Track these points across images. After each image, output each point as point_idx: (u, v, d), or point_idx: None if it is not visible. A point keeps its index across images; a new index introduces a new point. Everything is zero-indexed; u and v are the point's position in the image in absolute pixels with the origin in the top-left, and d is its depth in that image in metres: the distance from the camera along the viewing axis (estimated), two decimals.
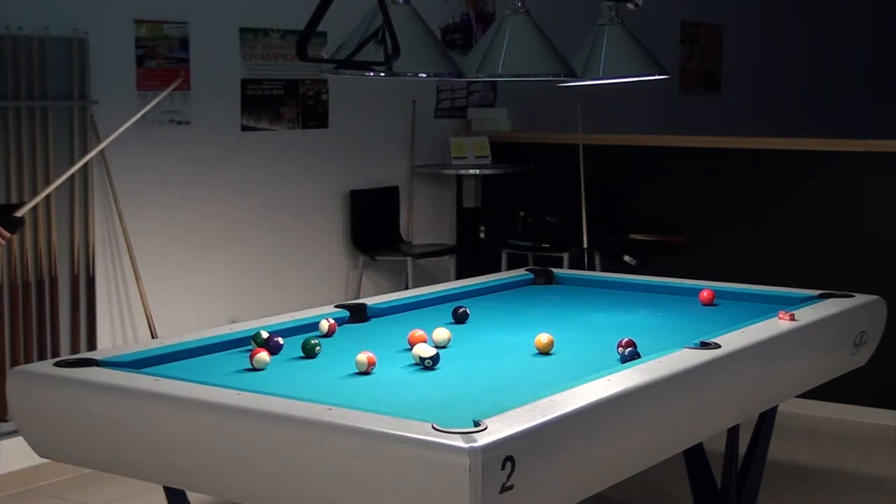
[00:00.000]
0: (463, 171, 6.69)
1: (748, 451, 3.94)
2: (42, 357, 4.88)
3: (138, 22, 5.33)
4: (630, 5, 4.42)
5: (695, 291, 4.22)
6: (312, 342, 3.30)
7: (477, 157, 6.75)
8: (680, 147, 6.43)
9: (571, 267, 6.06)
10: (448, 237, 6.99)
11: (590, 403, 2.69)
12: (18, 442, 3.30)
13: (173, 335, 3.44)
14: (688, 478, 4.09)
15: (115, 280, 5.30)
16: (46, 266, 4.91)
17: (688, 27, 9.05)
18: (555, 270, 4.71)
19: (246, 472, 2.62)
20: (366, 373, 3.10)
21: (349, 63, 3.48)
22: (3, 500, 3.81)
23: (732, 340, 3.36)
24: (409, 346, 3.35)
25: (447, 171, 6.74)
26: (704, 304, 4.15)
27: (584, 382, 2.83)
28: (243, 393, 2.72)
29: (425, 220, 6.86)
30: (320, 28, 3.35)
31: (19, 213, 3.69)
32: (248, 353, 3.19)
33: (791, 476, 4.90)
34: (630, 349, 3.20)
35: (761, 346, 3.41)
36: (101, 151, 5.13)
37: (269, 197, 6.00)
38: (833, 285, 4.22)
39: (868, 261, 5.71)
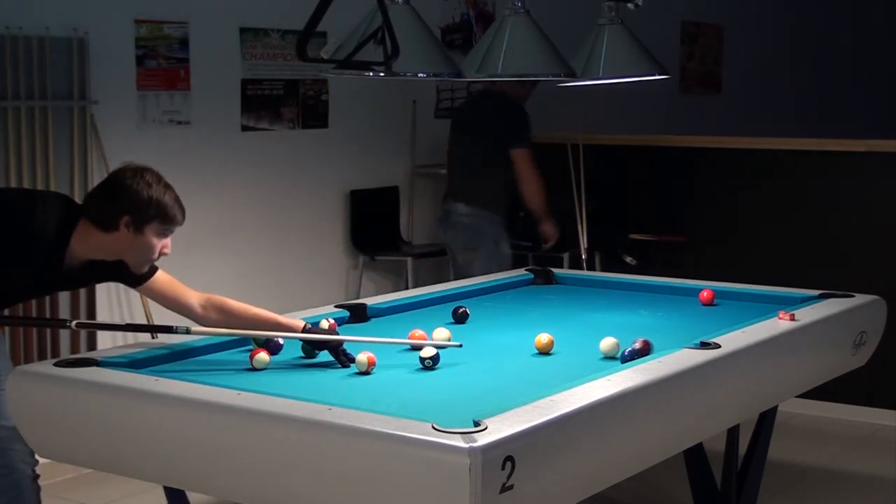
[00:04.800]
0: None
1: (748, 451, 3.94)
2: (42, 357, 4.88)
3: (138, 22, 5.33)
4: (630, 5, 4.42)
5: (695, 291, 4.22)
6: None
7: None
8: (680, 147, 6.43)
9: (571, 267, 6.06)
10: None
11: (590, 403, 2.68)
12: None
13: (173, 335, 3.43)
14: (688, 478, 4.09)
15: None
16: None
17: (688, 27, 9.05)
18: (555, 270, 4.71)
19: (246, 472, 2.62)
20: (366, 373, 3.10)
21: (349, 63, 3.48)
22: None
23: (732, 340, 3.35)
24: (409, 347, 3.35)
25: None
26: (704, 304, 4.14)
27: (584, 382, 2.83)
28: (243, 393, 2.71)
29: (425, 220, 6.85)
30: (320, 28, 3.35)
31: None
32: (248, 353, 3.19)
33: (791, 476, 4.90)
34: (641, 348, 3.18)
35: (761, 346, 3.41)
36: (102, 151, 5.14)
37: (269, 197, 5.99)
38: (833, 285, 4.22)
39: (868, 261, 5.70)
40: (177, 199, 3.16)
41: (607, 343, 3.30)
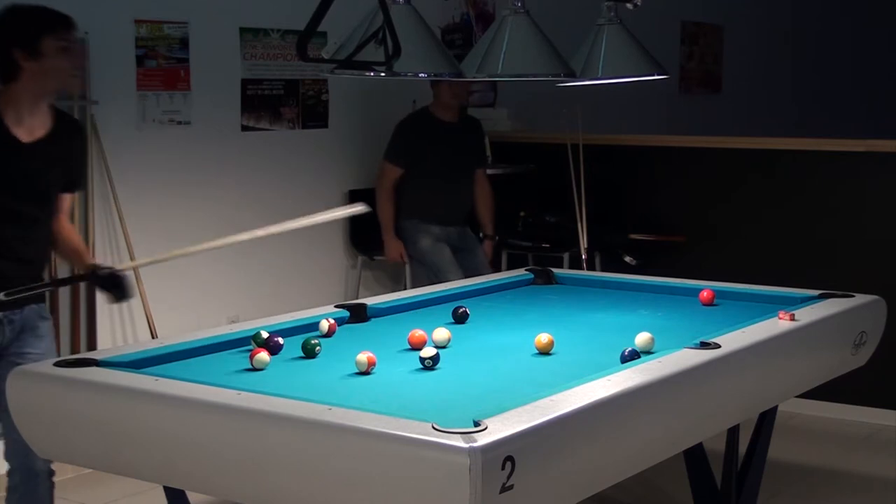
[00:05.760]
0: None
1: (748, 451, 3.94)
2: None
3: (138, 22, 5.33)
4: (630, 5, 4.42)
5: (695, 291, 4.22)
6: (312, 342, 3.30)
7: None
8: (680, 147, 6.43)
9: (571, 267, 6.06)
10: None
11: (590, 403, 2.68)
12: None
13: (173, 335, 3.43)
14: (688, 478, 4.09)
15: None
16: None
17: (688, 27, 9.05)
18: (555, 270, 4.71)
19: (246, 472, 2.62)
20: (366, 373, 3.10)
21: (349, 63, 3.48)
22: (2, 500, 3.81)
23: (732, 340, 3.35)
24: (408, 347, 3.35)
25: None
26: (704, 304, 4.14)
27: (584, 382, 2.83)
28: (243, 393, 2.71)
29: None
30: (320, 28, 3.35)
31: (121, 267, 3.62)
32: (248, 353, 3.19)
33: (791, 476, 4.90)
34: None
35: (761, 346, 3.41)
36: (102, 151, 5.14)
37: (268, 197, 5.99)
38: (833, 285, 4.22)
39: (868, 261, 5.71)
40: (50, 10, 3.25)
41: (642, 338, 3.30)
